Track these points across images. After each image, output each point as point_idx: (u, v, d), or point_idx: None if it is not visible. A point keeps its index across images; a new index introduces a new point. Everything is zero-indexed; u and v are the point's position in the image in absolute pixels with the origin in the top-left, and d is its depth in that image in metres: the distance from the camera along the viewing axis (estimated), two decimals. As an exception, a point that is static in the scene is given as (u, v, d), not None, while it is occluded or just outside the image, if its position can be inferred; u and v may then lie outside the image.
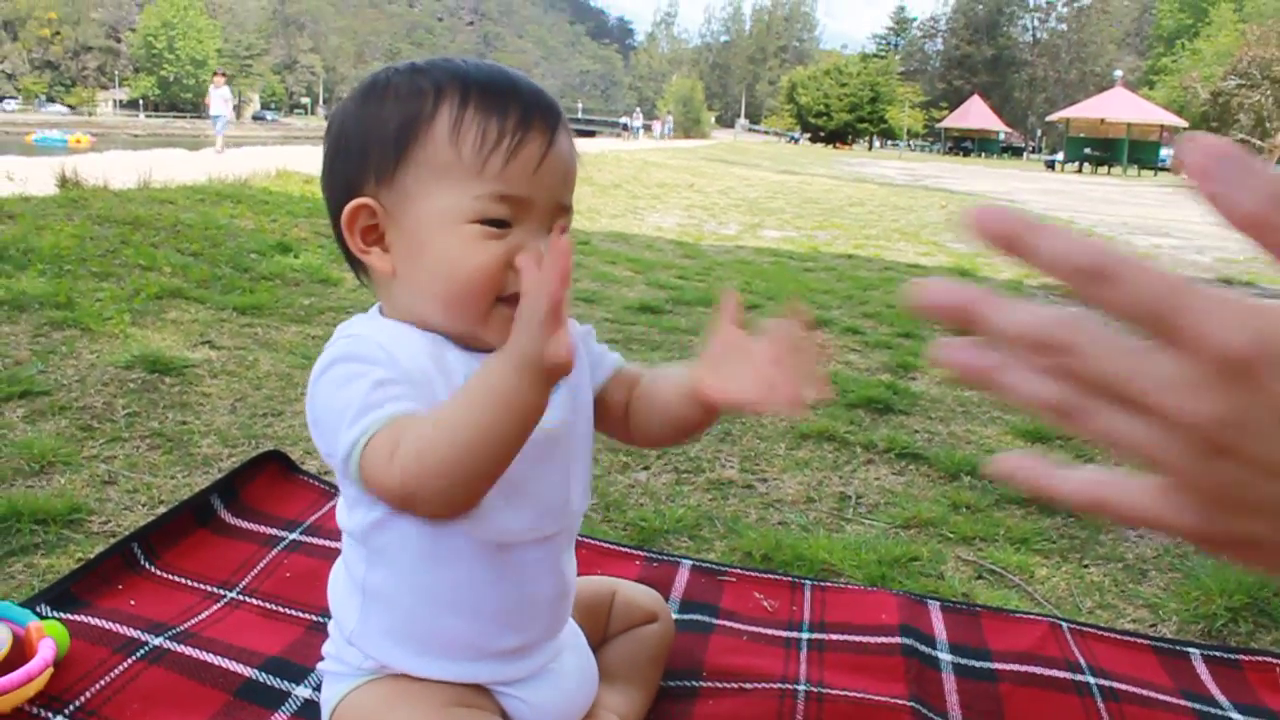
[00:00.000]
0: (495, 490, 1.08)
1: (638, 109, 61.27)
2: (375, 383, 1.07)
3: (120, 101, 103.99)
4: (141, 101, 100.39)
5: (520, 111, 1.12)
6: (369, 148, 1.16)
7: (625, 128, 52.20)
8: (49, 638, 1.40)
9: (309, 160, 11.64)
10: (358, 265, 1.21)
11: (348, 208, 1.16)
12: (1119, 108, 45.83)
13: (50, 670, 1.37)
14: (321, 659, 1.31)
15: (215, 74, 21.84)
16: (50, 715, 1.34)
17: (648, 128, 51.90)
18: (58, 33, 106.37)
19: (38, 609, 1.56)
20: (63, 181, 6.59)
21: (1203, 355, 0.46)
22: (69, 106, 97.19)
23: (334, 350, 1.13)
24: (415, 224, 1.14)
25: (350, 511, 1.20)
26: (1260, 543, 0.51)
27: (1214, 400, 0.47)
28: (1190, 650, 1.80)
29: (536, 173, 1.12)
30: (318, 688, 1.42)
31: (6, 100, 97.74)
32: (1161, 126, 42.96)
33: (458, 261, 1.11)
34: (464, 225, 1.11)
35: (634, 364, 1.36)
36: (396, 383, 1.08)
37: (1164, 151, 42.25)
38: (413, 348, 1.13)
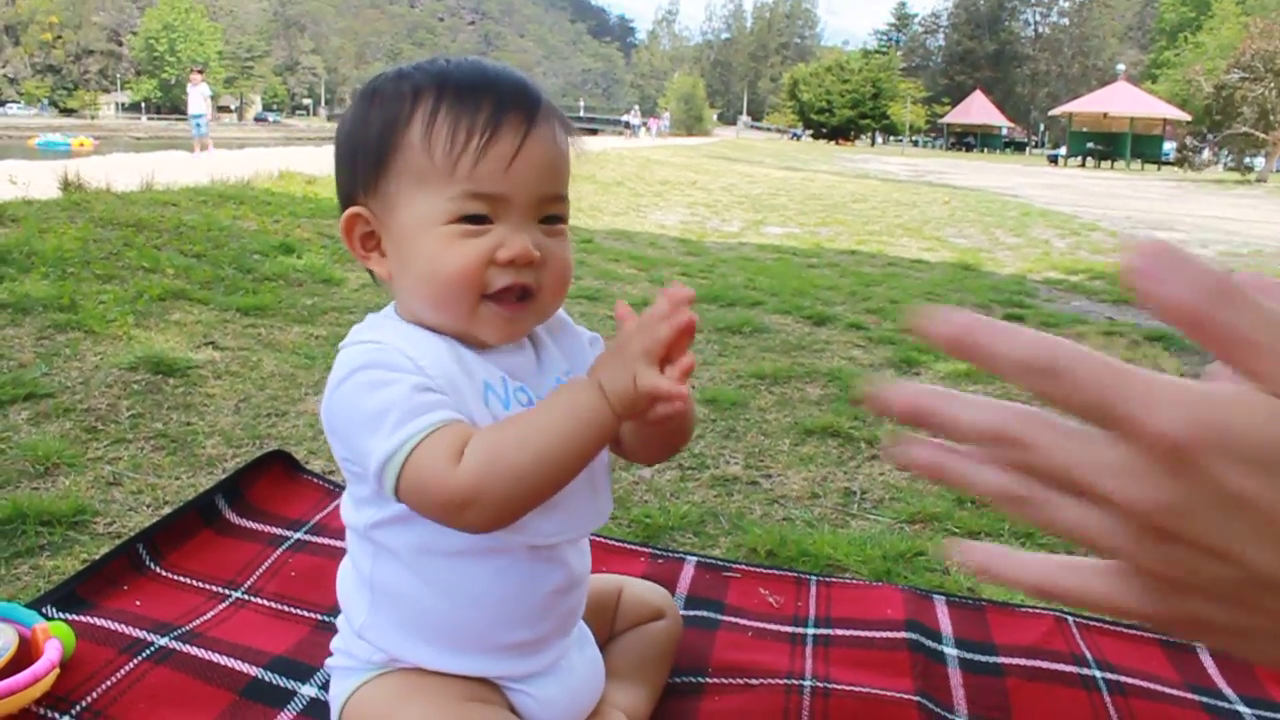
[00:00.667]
0: None
1: (635, 106, 61.01)
2: (413, 388, 1.08)
3: (122, 105, 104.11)
4: (143, 104, 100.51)
5: (491, 109, 1.12)
6: (357, 157, 1.18)
7: (628, 125, 52.00)
8: (55, 639, 1.41)
9: (311, 161, 11.65)
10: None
11: (344, 217, 1.19)
12: (1122, 102, 45.80)
13: (56, 671, 1.37)
14: (330, 655, 1.32)
15: (193, 70, 20.58)
16: (57, 716, 1.34)
17: (645, 125, 51.57)
18: (59, 37, 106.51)
19: (44, 610, 1.56)
20: (65, 184, 6.60)
21: (1143, 442, 0.48)
22: (68, 110, 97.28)
23: (357, 356, 1.13)
24: (400, 230, 1.15)
25: (357, 509, 1.21)
26: (1212, 623, 0.52)
27: (1156, 486, 0.48)
28: (1197, 644, 1.80)
29: (510, 168, 1.12)
30: (324, 686, 1.42)
31: (9, 104, 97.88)
32: (1164, 120, 42.94)
33: (437, 262, 1.12)
34: (441, 227, 1.12)
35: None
36: (432, 390, 1.09)
37: (1167, 145, 42.17)
38: (435, 352, 1.14)
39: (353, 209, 1.18)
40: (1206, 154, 40.41)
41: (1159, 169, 39.65)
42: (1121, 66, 63.62)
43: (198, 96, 19.05)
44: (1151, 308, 0.48)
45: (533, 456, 1.04)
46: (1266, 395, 0.46)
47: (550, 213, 1.17)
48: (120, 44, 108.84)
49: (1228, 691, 1.64)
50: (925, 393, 0.54)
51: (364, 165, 1.17)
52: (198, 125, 18.45)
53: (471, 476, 1.03)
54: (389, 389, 1.08)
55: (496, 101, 1.13)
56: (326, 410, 1.15)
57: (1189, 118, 40.57)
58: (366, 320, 1.23)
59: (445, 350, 1.15)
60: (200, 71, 20.35)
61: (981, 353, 0.51)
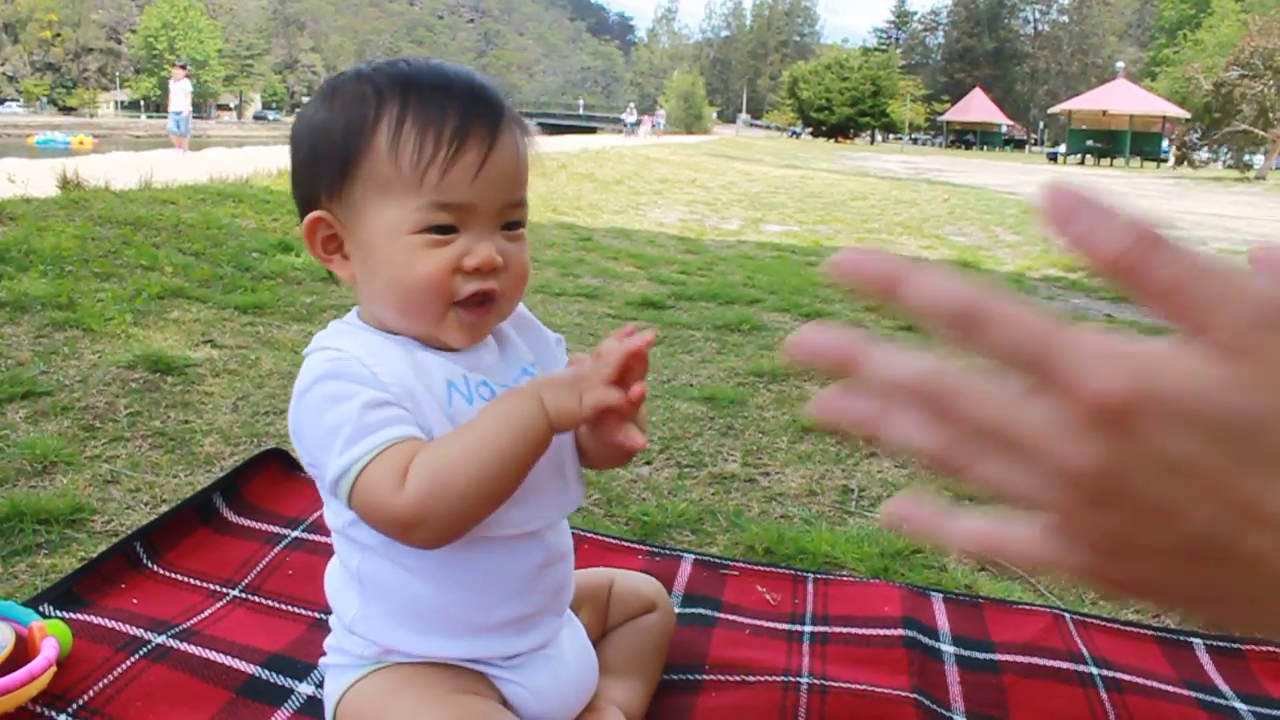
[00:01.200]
0: None
1: (631, 104, 60.66)
2: (365, 405, 1.10)
3: (121, 103, 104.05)
4: (143, 102, 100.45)
5: (457, 119, 1.13)
6: (319, 161, 1.19)
7: (623, 123, 51.76)
8: (52, 637, 1.41)
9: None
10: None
11: (306, 220, 1.20)
12: (1121, 99, 45.80)
13: (53, 669, 1.38)
14: (324, 654, 1.32)
15: (175, 66, 19.29)
16: (54, 714, 1.34)
17: (639, 123, 51.14)
18: (58, 35, 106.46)
19: (41, 608, 1.56)
20: (64, 183, 6.59)
21: (1080, 402, 0.45)
22: (67, 108, 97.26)
23: (318, 366, 1.15)
24: (367, 237, 1.17)
25: (334, 512, 1.23)
26: (1152, 584, 0.50)
27: (1094, 448, 0.45)
28: (1193, 640, 1.80)
29: (477, 179, 1.13)
30: (320, 684, 1.42)
31: (9, 102, 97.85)
32: (1164, 117, 42.94)
33: (404, 271, 1.14)
34: (408, 236, 1.13)
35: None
36: (386, 404, 1.11)
37: (1165, 143, 42.16)
38: (392, 360, 1.15)
39: (315, 213, 1.19)
40: (1205, 152, 40.41)
41: (1158, 166, 39.65)
42: (1121, 64, 63.59)
43: (179, 92, 17.80)
44: (1075, 254, 0.45)
45: (474, 473, 1.07)
46: (1206, 353, 0.44)
47: (512, 219, 1.19)
48: (119, 42, 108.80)
49: (1224, 688, 1.65)
50: (848, 338, 0.51)
51: (327, 169, 1.18)
52: (177, 122, 17.38)
53: (415, 499, 1.06)
54: (343, 405, 1.10)
55: (462, 111, 1.13)
56: (291, 418, 1.18)
57: (1189, 115, 40.57)
58: (330, 327, 1.24)
59: (403, 358, 1.16)
60: (184, 67, 18.99)
61: (905, 297, 0.48)
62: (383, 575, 1.20)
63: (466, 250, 1.14)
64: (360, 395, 1.10)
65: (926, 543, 2.19)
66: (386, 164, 1.13)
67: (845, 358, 0.51)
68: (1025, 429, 0.47)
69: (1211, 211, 15.80)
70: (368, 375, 1.12)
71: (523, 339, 1.31)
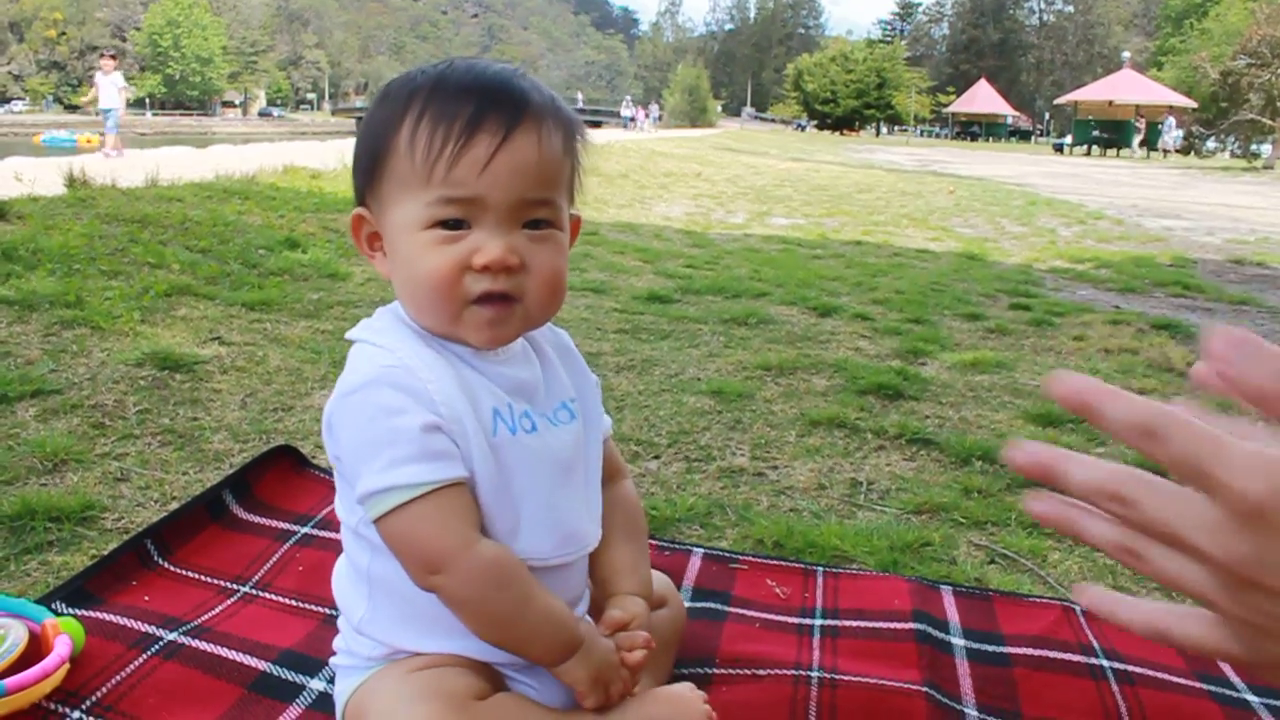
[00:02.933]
0: (513, 524, 1.18)
1: (628, 98, 60.13)
2: (423, 427, 1.11)
3: (127, 101, 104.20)
4: (148, 100, 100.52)
5: (470, 114, 1.12)
6: (360, 159, 1.21)
7: (631, 119, 51.20)
8: (65, 634, 1.41)
9: (316, 156, 11.65)
10: None
11: (351, 216, 1.22)
12: (1127, 89, 45.61)
13: (66, 666, 1.38)
14: (334, 653, 1.32)
15: (102, 55, 17.18)
16: (67, 711, 1.35)
17: (633, 118, 50.35)
18: (63, 33, 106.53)
19: (53, 606, 1.57)
20: (71, 181, 6.61)
21: (1228, 502, 0.55)
22: (73, 106, 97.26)
23: (369, 367, 1.15)
24: (390, 232, 1.18)
25: (349, 509, 1.21)
26: None
27: (1238, 540, 0.55)
28: (1205, 632, 1.79)
29: (484, 172, 1.11)
30: (331, 680, 1.42)
31: (14, 101, 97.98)
32: (1170, 107, 42.74)
33: (417, 267, 1.14)
34: (420, 232, 1.14)
35: (614, 448, 1.42)
36: (440, 430, 1.12)
37: (1174, 133, 41.96)
38: (442, 377, 1.15)
39: (357, 209, 1.22)
40: (1212, 142, 40.27)
41: (1165, 156, 39.43)
42: (1127, 54, 63.31)
43: (109, 87, 15.54)
44: (1228, 389, 0.57)
45: (489, 621, 1.16)
46: None
47: (534, 217, 1.16)
48: (124, 40, 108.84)
49: (1236, 680, 1.64)
50: (1047, 454, 0.61)
51: (365, 166, 1.20)
52: (108, 120, 15.27)
53: (464, 581, 1.13)
54: (395, 420, 1.11)
55: (477, 106, 1.13)
56: (331, 410, 1.17)
57: (1195, 104, 40.40)
58: (377, 315, 1.24)
59: (451, 375, 1.16)
60: (113, 57, 16.79)
61: (1095, 413, 0.59)
62: (393, 576, 1.19)
63: (476, 247, 1.13)
64: (413, 414, 1.11)
65: (935, 536, 2.19)
66: (404, 160, 1.14)
67: (1046, 468, 0.61)
68: (1185, 525, 0.57)
69: (1219, 202, 15.75)
70: (422, 391, 1.12)
71: (566, 370, 1.31)
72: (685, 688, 1.31)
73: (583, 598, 1.33)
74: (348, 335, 1.23)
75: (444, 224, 1.13)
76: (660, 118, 56.33)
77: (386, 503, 1.11)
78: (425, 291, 1.15)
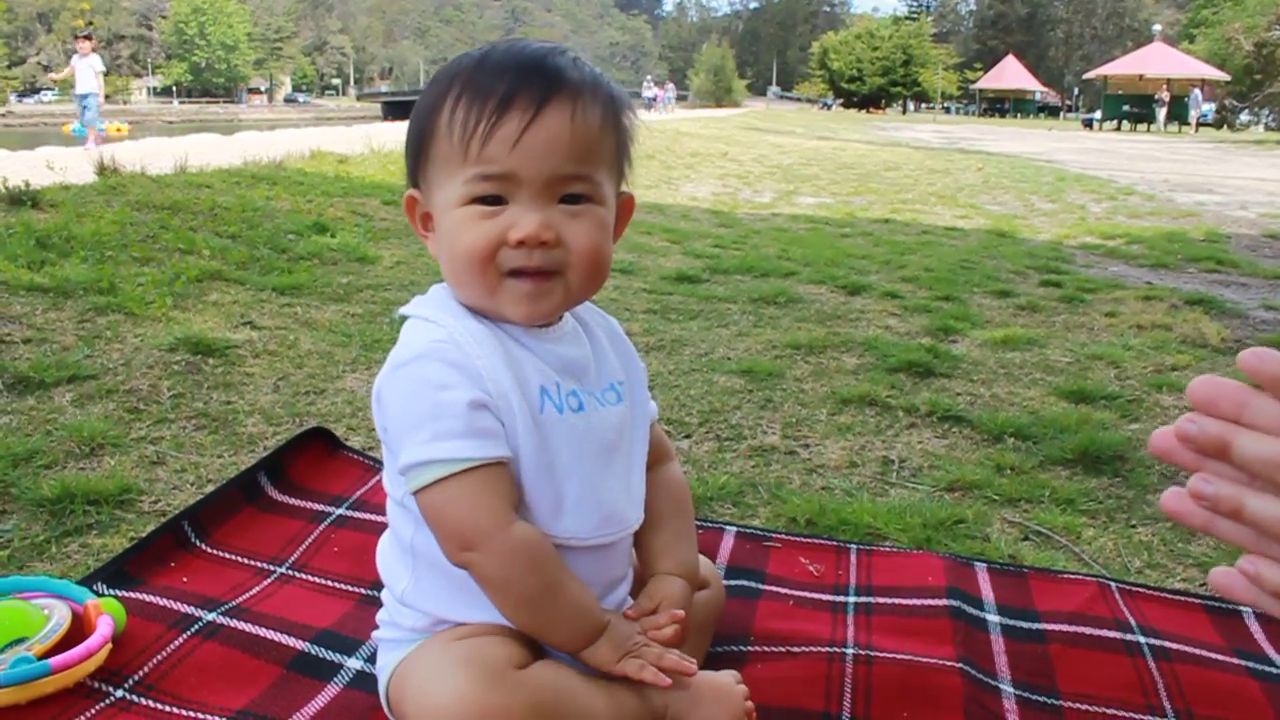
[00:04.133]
0: (555, 502, 1.20)
1: (649, 78, 59.35)
2: (469, 404, 1.13)
3: (154, 89, 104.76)
4: (174, 88, 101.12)
5: (503, 92, 1.14)
6: (410, 141, 1.24)
7: (653, 99, 50.32)
8: (107, 615, 1.43)
9: (342, 141, 11.69)
10: None
11: (405, 197, 1.26)
12: (1158, 63, 44.96)
13: (109, 646, 1.40)
14: (375, 628, 1.33)
15: (78, 37, 14.94)
16: (111, 690, 1.36)
17: (654, 99, 49.22)
18: (91, 23, 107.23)
19: (95, 587, 1.59)
20: (101, 169, 6.65)
21: None
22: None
23: (421, 341, 1.18)
24: (436, 211, 1.21)
25: (395, 480, 1.22)
26: None
27: None
28: (1243, 608, 1.78)
29: (516, 148, 1.13)
30: (369, 659, 1.43)
31: (44, 91, 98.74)
32: (1203, 81, 42.13)
33: (456, 243, 1.17)
34: (460, 209, 1.17)
35: (660, 432, 1.42)
36: (486, 407, 1.14)
37: (1206, 106, 41.36)
38: (490, 352, 1.17)
39: (410, 191, 1.25)
40: (1245, 114, 39.70)
41: (1196, 131, 38.90)
42: (1157, 27, 62.42)
43: (86, 70, 13.59)
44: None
45: (518, 602, 1.17)
46: None
47: (572, 191, 1.18)
48: (150, 28, 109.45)
49: (1274, 656, 1.63)
50: (1217, 429, 0.64)
51: (414, 149, 1.23)
52: (85, 108, 13.48)
53: (498, 557, 1.15)
54: (444, 394, 1.13)
55: (510, 83, 1.15)
56: (382, 383, 1.20)
57: (1228, 77, 39.83)
58: (431, 292, 1.27)
59: (500, 352, 1.18)
60: (88, 38, 14.62)
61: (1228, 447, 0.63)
62: (436, 549, 1.20)
63: (512, 223, 1.15)
64: (461, 389, 1.13)
65: (969, 513, 2.18)
66: (445, 140, 1.17)
67: (1224, 443, 0.63)
68: None
69: (1253, 176, 15.53)
70: (470, 366, 1.15)
71: (616, 354, 1.33)
72: (727, 675, 1.31)
73: (626, 579, 1.34)
74: (400, 311, 1.26)
75: (481, 200, 1.16)
76: (674, 98, 55.35)
77: (426, 475, 1.13)
78: (463, 266, 1.17)
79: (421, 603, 1.24)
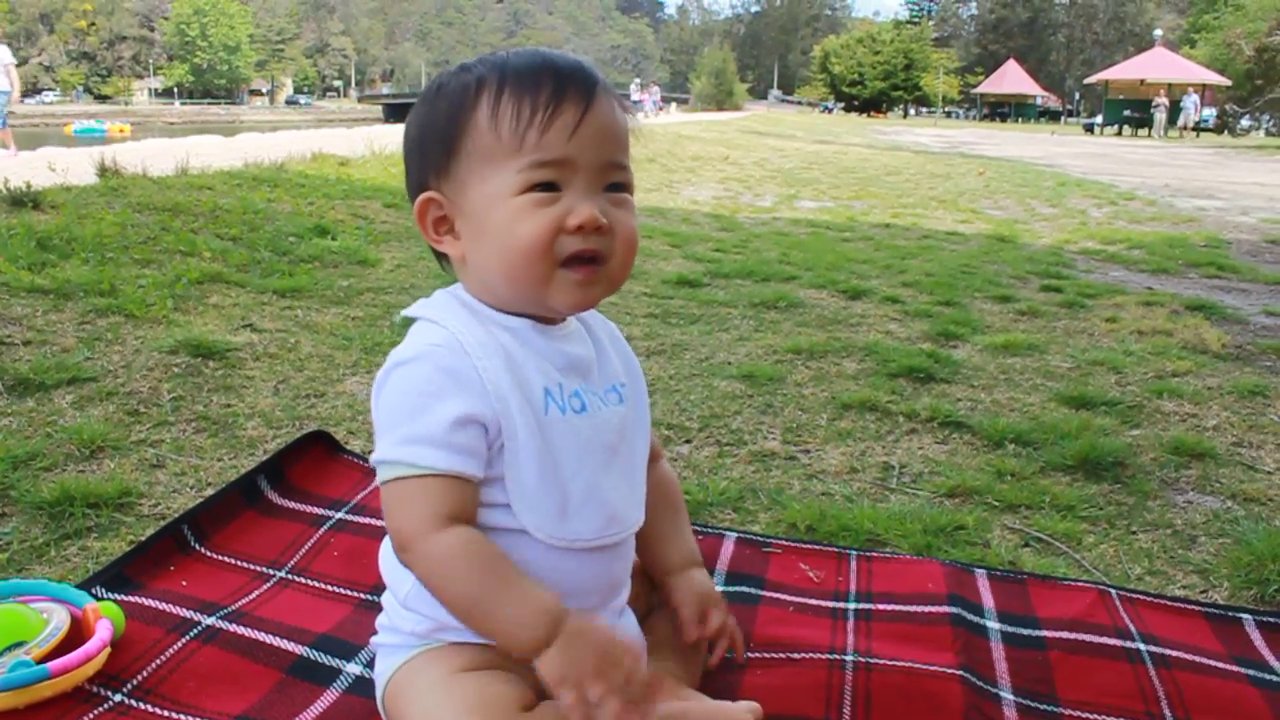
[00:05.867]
0: (561, 503, 1.21)
1: (636, 81, 58.76)
2: (452, 420, 1.15)
3: (155, 90, 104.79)
4: (176, 89, 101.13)
5: (553, 85, 1.18)
6: (427, 146, 1.25)
7: (638, 103, 49.60)
8: (106, 619, 1.43)
9: (343, 143, 11.69)
10: (439, 255, 1.30)
11: (418, 202, 1.25)
12: (1159, 68, 44.94)
13: (108, 650, 1.40)
14: (375, 633, 1.33)
15: None
16: (109, 694, 1.36)
17: (639, 103, 48.58)
18: (93, 24, 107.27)
19: (94, 591, 1.59)
20: (103, 170, 6.65)
21: None
22: (103, 97, 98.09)
23: (422, 344, 1.20)
24: (474, 208, 1.21)
25: None
26: None
27: None
28: (1243, 616, 1.78)
29: (574, 136, 1.18)
30: (368, 664, 1.43)
31: (45, 92, 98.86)
32: (1204, 86, 42.13)
33: (512, 232, 1.18)
34: (513, 199, 1.18)
35: (652, 432, 1.42)
36: (475, 424, 1.16)
37: (1206, 111, 41.35)
38: (491, 354, 1.19)
39: (426, 194, 1.25)
40: (1246, 120, 39.71)
41: (1198, 135, 38.85)
42: (1159, 32, 62.48)
43: None
44: None
45: (464, 604, 1.16)
46: None
47: (615, 180, 1.22)
48: (152, 29, 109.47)
49: (1275, 664, 1.63)
50: None
51: (434, 152, 1.24)
52: None
53: (426, 558, 1.15)
54: (429, 400, 1.16)
55: (557, 79, 1.19)
56: (380, 377, 1.22)
57: (1229, 82, 39.83)
58: (435, 296, 1.28)
59: (500, 355, 1.20)
60: None
61: None
62: None
63: (570, 209, 1.18)
64: (449, 402, 1.15)
65: (969, 519, 2.18)
66: (488, 135, 1.19)
67: None
68: None
69: (1253, 181, 15.52)
70: (469, 371, 1.17)
71: (617, 356, 1.36)
72: (744, 708, 1.31)
73: (626, 585, 1.34)
74: (405, 312, 1.27)
75: (537, 187, 1.18)
76: (659, 101, 54.37)
77: (387, 473, 1.16)
78: (520, 255, 1.18)
79: (424, 606, 1.24)
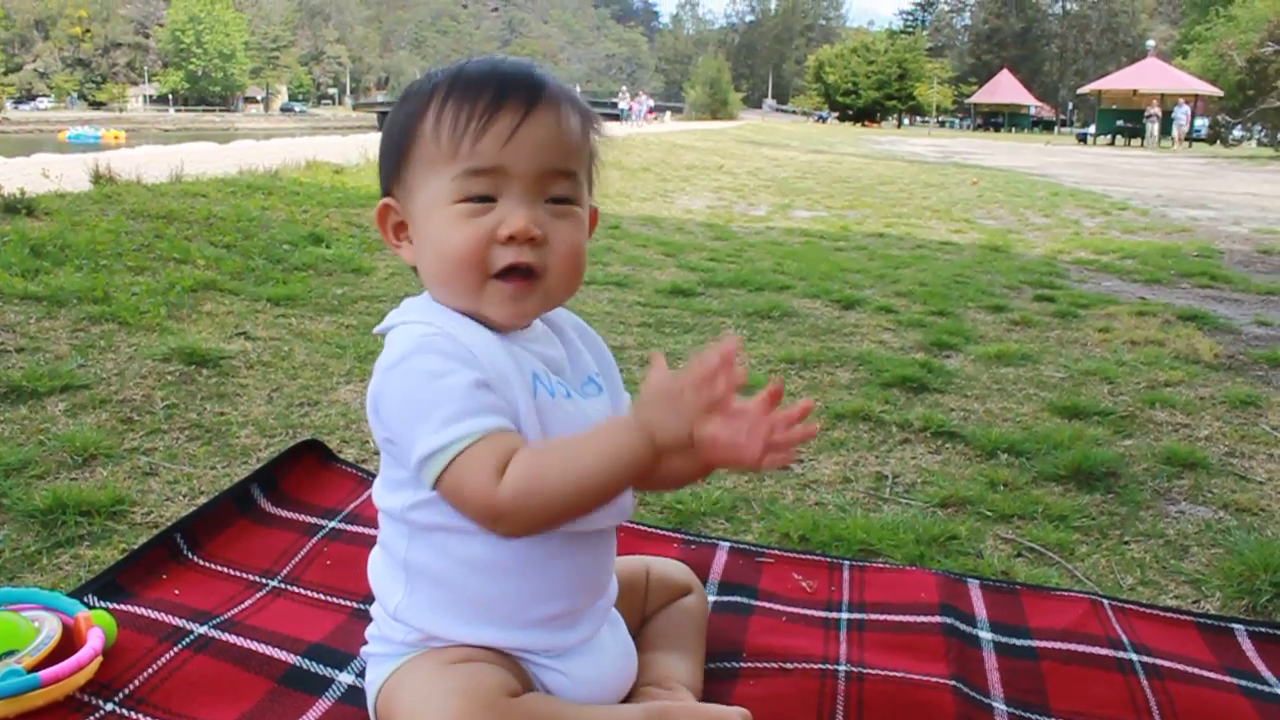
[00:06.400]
0: None
1: (624, 89, 58.42)
2: (471, 384, 1.13)
3: (150, 97, 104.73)
4: (171, 96, 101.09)
5: (492, 94, 1.18)
6: (386, 151, 1.26)
7: (627, 111, 48.66)
8: (97, 627, 1.43)
9: (338, 151, 11.69)
10: None
11: (377, 207, 1.27)
12: (1152, 78, 45.09)
13: (99, 659, 1.40)
14: (365, 643, 1.33)
15: None
16: (100, 703, 1.36)
17: (628, 110, 47.28)
18: (88, 30, 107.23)
19: (85, 599, 1.59)
20: (97, 177, 6.65)
21: None
22: (97, 103, 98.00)
23: (410, 339, 1.17)
24: (417, 214, 1.22)
25: (393, 492, 1.23)
26: None
27: None
28: (1235, 626, 1.78)
29: (509, 143, 1.17)
30: (360, 674, 1.43)
31: (40, 99, 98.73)
32: (1196, 96, 42.26)
33: (444, 241, 1.18)
34: (448, 207, 1.18)
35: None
36: (489, 387, 1.14)
37: (1199, 122, 41.48)
38: (485, 340, 1.18)
39: (384, 200, 1.26)
40: (1239, 130, 39.86)
41: (1190, 145, 38.94)
42: (1151, 42, 62.60)
43: None
44: None
45: (573, 487, 1.10)
46: None
47: (556, 193, 1.21)
48: (147, 36, 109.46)
49: (1267, 675, 1.63)
50: None
51: (390, 158, 1.25)
52: None
53: (511, 495, 1.09)
54: (444, 380, 1.13)
55: (498, 87, 1.18)
56: (375, 391, 1.20)
57: (1221, 93, 39.94)
58: (405, 305, 1.27)
59: (494, 338, 1.19)
60: None
61: None
62: (432, 564, 1.22)
63: (501, 220, 1.17)
64: (461, 374, 1.13)
65: (962, 529, 2.18)
66: (430, 142, 1.19)
67: None
68: None
69: (1245, 191, 15.57)
70: (466, 354, 1.15)
71: (587, 348, 1.35)
72: (735, 713, 1.31)
73: (610, 585, 1.34)
74: (377, 330, 1.25)
75: (471, 198, 1.17)
76: (646, 110, 53.65)
77: (439, 461, 1.12)
78: (452, 265, 1.18)
79: (414, 618, 1.24)
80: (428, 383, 1.14)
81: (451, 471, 1.12)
